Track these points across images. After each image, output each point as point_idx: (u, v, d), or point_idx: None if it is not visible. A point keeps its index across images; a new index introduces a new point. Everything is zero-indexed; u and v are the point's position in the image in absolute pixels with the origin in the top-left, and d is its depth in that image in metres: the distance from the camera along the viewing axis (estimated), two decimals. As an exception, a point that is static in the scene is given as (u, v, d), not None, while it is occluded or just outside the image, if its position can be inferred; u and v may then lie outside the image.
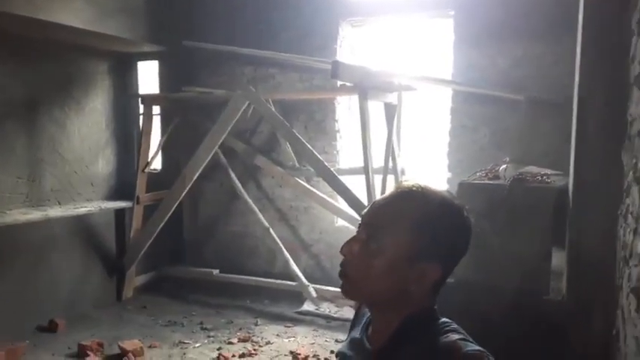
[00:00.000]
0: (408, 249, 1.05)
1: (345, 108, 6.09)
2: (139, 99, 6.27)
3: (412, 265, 1.05)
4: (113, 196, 6.36)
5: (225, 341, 4.82)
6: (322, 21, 5.78)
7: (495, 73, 5.13)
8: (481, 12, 5.12)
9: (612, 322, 2.56)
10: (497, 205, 3.14)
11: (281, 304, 5.74)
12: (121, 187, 6.42)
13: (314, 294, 5.48)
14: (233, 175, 6.06)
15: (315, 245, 6.09)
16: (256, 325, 5.24)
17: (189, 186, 5.64)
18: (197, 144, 5.59)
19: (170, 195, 5.73)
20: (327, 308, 5.52)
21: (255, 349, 4.64)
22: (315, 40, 5.82)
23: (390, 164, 5.32)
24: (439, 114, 5.66)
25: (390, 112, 5.36)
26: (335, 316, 5.38)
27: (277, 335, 4.99)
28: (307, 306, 5.58)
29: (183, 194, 5.72)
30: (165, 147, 6.19)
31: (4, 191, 5.18)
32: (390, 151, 5.27)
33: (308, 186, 5.90)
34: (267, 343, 4.82)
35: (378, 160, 5.14)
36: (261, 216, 5.91)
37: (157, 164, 6.48)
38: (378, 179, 5.06)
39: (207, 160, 5.57)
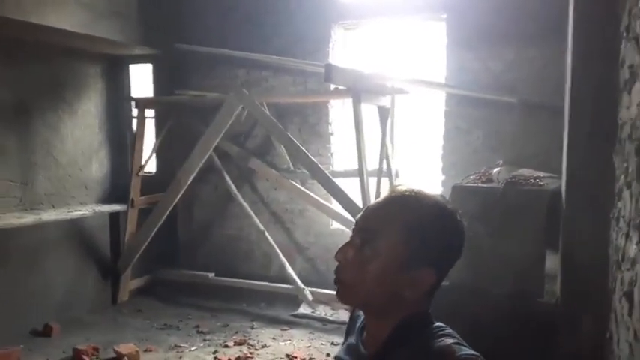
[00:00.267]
0: (402, 253, 1.05)
1: (339, 111, 6.11)
2: (133, 102, 6.26)
3: (406, 269, 1.05)
4: (107, 199, 6.36)
5: (221, 344, 4.81)
6: (315, 24, 5.78)
7: (488, 76, 5.17)
8: (473, 15, 5.15)
9: (604, 324, 2.57)
10: (491, 208, 3.16)
11: (277, 307, 5.74)
12: (115, 190, 6.41)
13: (310, 297, 5.48)
14: (228, 178, 6.05)
15: (310, 248, 6.09)
16: (252, 328, 5.24)
17: (183, 189, 5.64)
18: (191, 147, 5.58)
19: (165, 198, 5.72)
20: (322, 311, 5.52)
21: (251, 352, 4.64)
22: (308, 43, 5.82)
23: (385, 167, 5.34)
24: (433, 117, 5.69)
25: (384, 114, 5.38)
26: (331, 318, 5.38)
27: (273, 338, 4.99)
28: (303, 309, 5.58)
29: (178, 197, 5.71)
30: (160, 150, 6.19)
31: (-3, 195, 5.17)
32: (384, 154, 5.30)
33: (303, 189, 5.91)
34: (263, 346, 4.82)
35: (372, 163, 5.16)
36: (256, 219, 5.91)
37: (151, 167, 6.46)
38: (372, 182, 5.07)
39: (201, 163, 5.56)
